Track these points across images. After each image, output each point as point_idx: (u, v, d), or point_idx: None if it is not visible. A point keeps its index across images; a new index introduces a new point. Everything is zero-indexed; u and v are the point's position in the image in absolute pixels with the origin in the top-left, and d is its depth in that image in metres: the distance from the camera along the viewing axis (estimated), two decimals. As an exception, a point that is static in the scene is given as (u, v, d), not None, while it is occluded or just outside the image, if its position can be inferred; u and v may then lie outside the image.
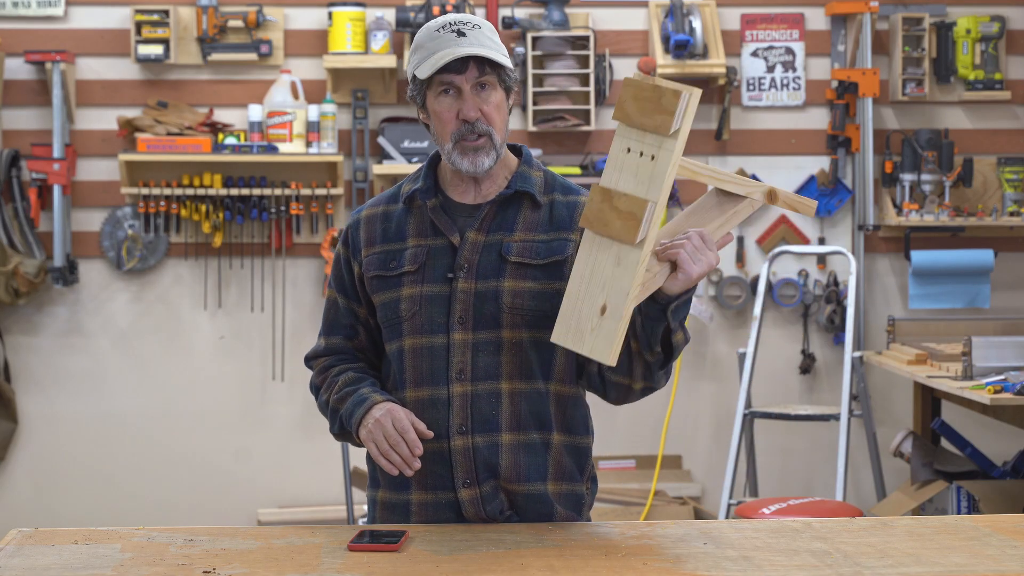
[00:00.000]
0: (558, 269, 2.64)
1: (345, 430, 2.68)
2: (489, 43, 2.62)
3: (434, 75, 2.61)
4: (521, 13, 5.67)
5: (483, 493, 2.62)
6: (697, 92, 2.36)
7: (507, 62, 2.65)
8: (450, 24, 2.63)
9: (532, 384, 2.65)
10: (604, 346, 2.38)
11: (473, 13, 5.61)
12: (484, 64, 2.61)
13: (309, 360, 2.80)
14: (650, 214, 2.34)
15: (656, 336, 2.55)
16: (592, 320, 2.40)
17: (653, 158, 2.36)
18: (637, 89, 2.36)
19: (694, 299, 2.82)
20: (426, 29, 2.66)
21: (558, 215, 2.69)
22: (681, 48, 5.51)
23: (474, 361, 2.62)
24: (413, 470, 2.56)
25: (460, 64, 2.60)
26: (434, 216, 2.69)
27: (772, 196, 2.56)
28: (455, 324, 2.63)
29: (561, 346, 2.47)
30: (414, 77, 2.66)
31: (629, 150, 2.39)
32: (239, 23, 5.63)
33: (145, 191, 5.55)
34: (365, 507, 4.86)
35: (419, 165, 5.31)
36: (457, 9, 5.48)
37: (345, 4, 5.56)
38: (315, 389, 2.78)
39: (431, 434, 2.58)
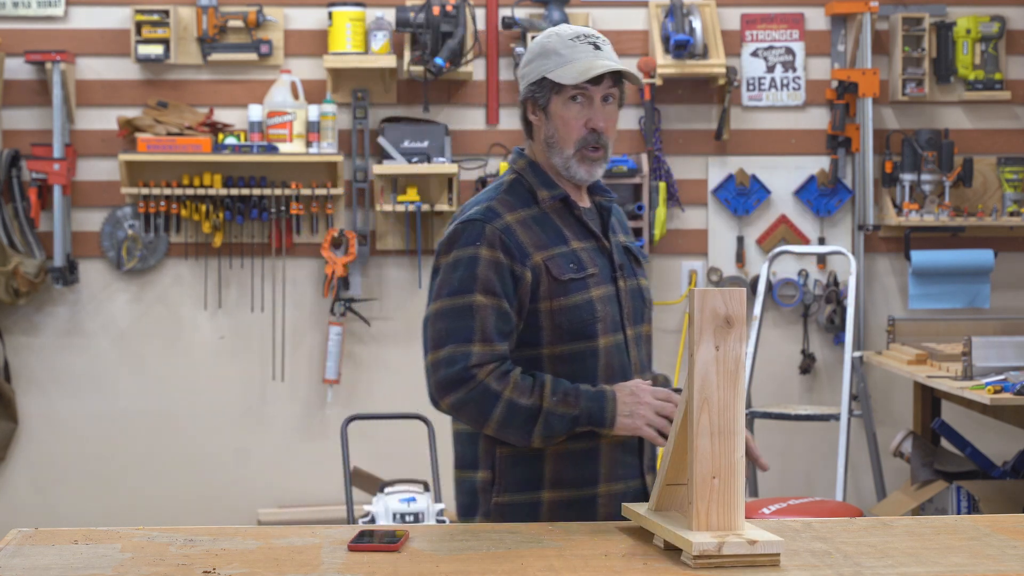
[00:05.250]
0: (645, 271, 2.94)
1: (568, 432, 2.69)
2: (618, 59, 2.79)
3: (556, 82, 2.72)
4: (521, 13, 5.67)
5: (654, 478, 2.81)
6: None
7: (637, 81, 2.83)
8: (583, 36, 2.76)
9: (651, 374, 2.90)
10: None
11: (474, 14, 5.62)
12: (614, 79, 2.76)
13: (472, 368, 2.66)
14: None
15: None
16: None
17: None
18: None
19: None
20: (556, 36, 2.77)
21: (621, 220, 2.93)
22: (681, 48, 5.51)
23: (638, 355, 2.82)
24: None
25: (599, 76, 2.73)
26: (588, 220, 2.82)
27: None
28: (626, 322, 2.80)
29: None
30: (544, 80, 2.75)
31: None
32: (239, 23, 5.63)
33: (145, 191, 5.55)
34: (367, 507, 4.87)
35: (419, 163, 5.27)
36: (457, 9, 5.48)
37: (345, 4, 5.56)
38: (494, 397, 2.66)
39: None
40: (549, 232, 2.77)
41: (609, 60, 2.74)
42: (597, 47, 2.75)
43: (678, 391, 2.77)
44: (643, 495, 2.77)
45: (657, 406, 2.67)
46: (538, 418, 2.66)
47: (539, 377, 2.70)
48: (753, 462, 2.68)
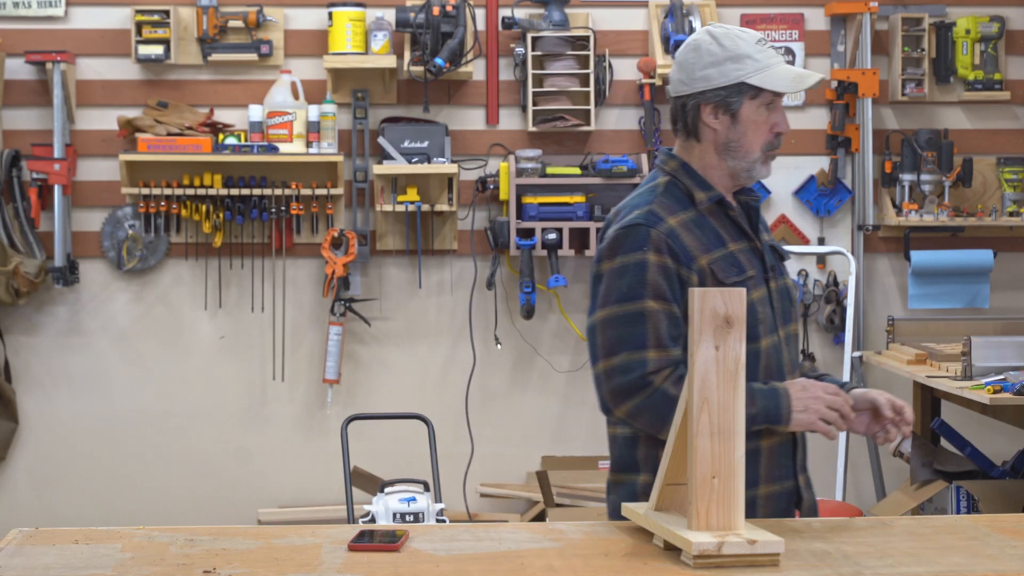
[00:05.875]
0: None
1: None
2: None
3: (766, 88, 2.73)
4: (521, 13, 5.67)
5: (807, 478, 2.84)
6: None
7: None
8: (763, 39, 2.78)
9: (798, 374, 2.88)
10: None
11: (474, 14, 5.62)
12: None
13: (649, 375, 2.65)
14: None
15: None
16: None
17: None
18: None
19: None
20: (744, 41, 2.76)
21: (763, 219, 2.93)
22: (681, 48, 5.50)
23: (790, 355, 2.84)
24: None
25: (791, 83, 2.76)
26: (742, 222, 2.82)
27: None
28: (778, 322, 2.81)
29: None
30: (741, 84, 2.73)
31: None
32: (239, 23, 5.63)
33: (145, 191, 5.56)
34: (367, 507, 4.87)
35: (419, 163, 5.26)
36: (457, 9, 5.48)
37: (345, 4, 5.56)
38: (672, 402, 2.54)
39: (851, 401, 2.73)
40: (708, 234, 2.76)
41: (806, 70, 2.82)
42: (779, 52, 2.80)
43: (843, 385, 2.81)
44: (796, 496, 2.80)
45: (828, 400, 2.68)
46: None
47: None
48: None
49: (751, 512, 2.72)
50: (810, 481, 2.89)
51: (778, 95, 2.76)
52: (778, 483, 2.78)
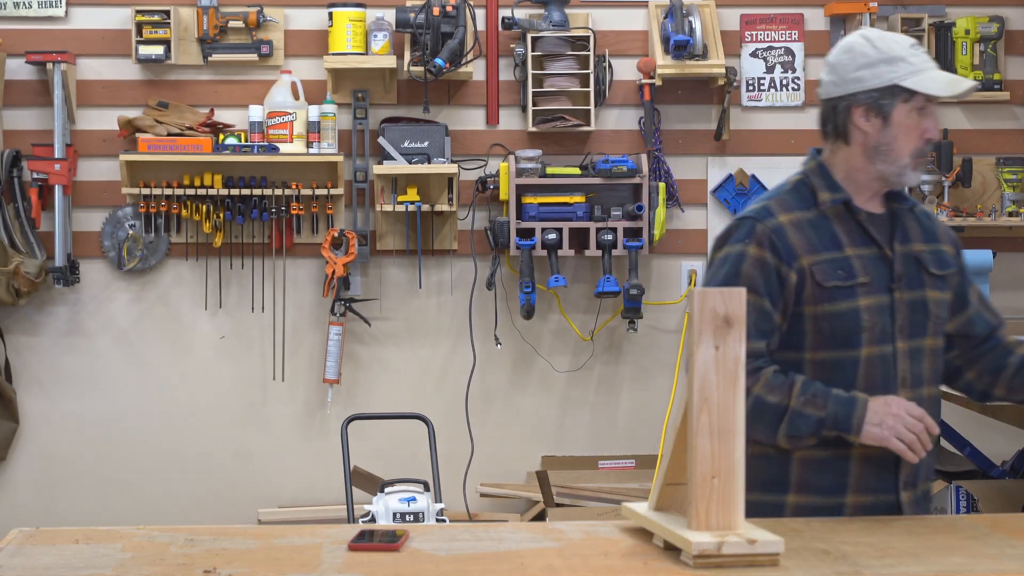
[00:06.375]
0: (948, 281, 2.85)
1: (813, 433, 2.69)
2: None
3: (919, 92, 2.72)
4: (521, 13, 5.67)
5: (917, 495, 2.79)
6: None
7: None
8: (915, 44, 2.77)
9: (936, 389, 2.86)
10: None
11: (474, 14, 5.62)
12: None
13: None
14: None
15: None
16: None
17: None
18: None
19: None
20: (898, 44, 2.75)
21: (927, 226, 2.86)
22: (681, 48, 5.51)
23: (911, 369, 2.77)
24: (927, 451, 2.68)
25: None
26: (870, 226, 2.78)
27: None
28: (898, 334, 2.75)
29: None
30: (895, 87, 2.72)
31: None
32: (239, 24, 5.63)
33: (146, 191, 5.56)
34: (367, 507, 4.87)
35: (419, 163, 5.26)
36: (457, 9, 5.49)
37: (345, 4, 5.56)
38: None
39: (938, 429, 2.71)
40: (823, 236, 2.76)
41: (951, 74, 2.81)
42: (929, 57, 2.78)
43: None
44: (895, 510, 2.77)
45: (908, 421, 2.65)
46: (784, 417, 2.69)
47: (792, 377, 2.71)
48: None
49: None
50: (923, 499, 2.83)
51: (931, 100, 2.74)
52: (871, 495, 2.76)
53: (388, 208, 5.58)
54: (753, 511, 2.73)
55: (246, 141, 5.56)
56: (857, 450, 2.72)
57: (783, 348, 2.75)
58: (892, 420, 2.64)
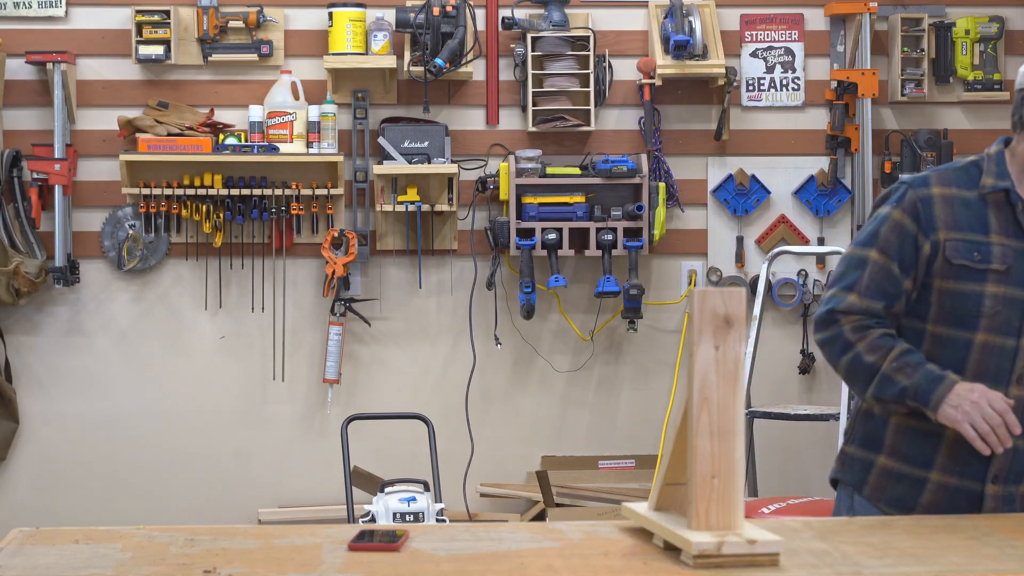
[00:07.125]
0: None
1: (897, 400, 2.73)
2: None
3: None
4: (521, 13, 5.67)
5: (1006, 492, 2.75)
6: None
7: None
8: None
9: None
10: None
11: (474, 14, 5.62)
12: None
13: (838, 313, 2.79)
14: None
15: None
16: None
17: None
18: None
19: None
20: None
21: None
22: (681, 48, 5.51)
23: None
24: (1004, 448, 2.65)
25: None
26: None
27: None
28: None
29: None
30: None
31: None
32: (239, 24, 5.63)
33: (146, 191, 5.56)
34: (367, 507, 4.87)
35: (419, 163, 5.26)
36: (457, 9, 5.49)
37: (345, 4, 5.56)
38: (846, 345, 2.79)
39: (1020, 428, 2.65)
40: (972, 217, 2.76)
41: None
42: None
43: None
44: (977, 500, 2.76)
45: (987, 412, 2.63)
46: (874, 377, 2.74)
47: (895, 342, 2.75)
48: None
49: (916, 492, 2.79)
50: (1014, 499, 2.78)
51: None
52: (956, 478, 2.77)
53: (388, 208, 5.59)
54: (845, 464, 2.86)
55: (246, 141, 5.56)
56: (952, 430, 2.71)
57: (909, 315, 2.80)
58: (969, 406, 2.64)
